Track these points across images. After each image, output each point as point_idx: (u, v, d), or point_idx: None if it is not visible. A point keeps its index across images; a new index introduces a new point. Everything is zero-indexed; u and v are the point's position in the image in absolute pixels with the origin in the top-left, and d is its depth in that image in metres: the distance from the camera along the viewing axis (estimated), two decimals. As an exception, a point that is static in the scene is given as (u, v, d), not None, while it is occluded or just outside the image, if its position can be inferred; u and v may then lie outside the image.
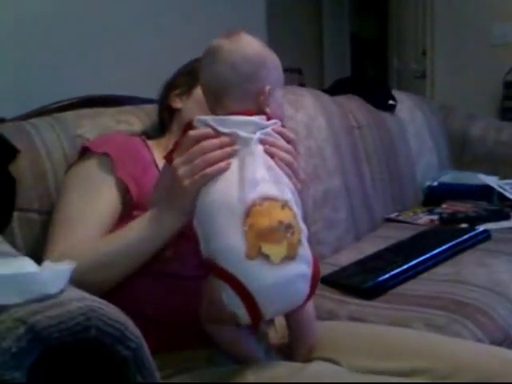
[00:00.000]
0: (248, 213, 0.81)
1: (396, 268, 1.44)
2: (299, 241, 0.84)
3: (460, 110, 2.57)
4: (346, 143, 1.96)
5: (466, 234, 1.69)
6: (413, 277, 1.44)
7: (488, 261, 1.52)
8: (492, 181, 2.15)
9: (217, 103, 0.94)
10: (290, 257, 0.82)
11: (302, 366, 0.93)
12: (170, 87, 1.23)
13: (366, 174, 2.01)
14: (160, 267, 0.98)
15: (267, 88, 0.92)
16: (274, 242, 0.81)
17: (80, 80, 1.75)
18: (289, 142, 0.92)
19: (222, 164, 0.86)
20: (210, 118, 0.90)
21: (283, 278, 0.82)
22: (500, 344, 1.17)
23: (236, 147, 0.87)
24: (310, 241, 0.89)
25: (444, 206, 2.10)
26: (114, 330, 0.65)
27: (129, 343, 0.67)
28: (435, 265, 1.51)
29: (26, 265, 0.68)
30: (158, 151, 1.14)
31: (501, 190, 2.10)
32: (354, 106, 2.12)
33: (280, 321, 1.05)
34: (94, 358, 0.67)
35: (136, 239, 0.93)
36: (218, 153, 0.87)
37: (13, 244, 1.01)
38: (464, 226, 1.84)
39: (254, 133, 0.88)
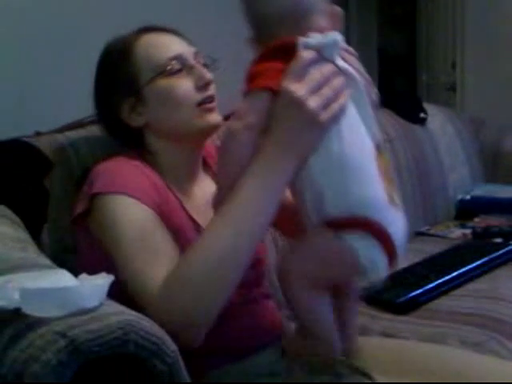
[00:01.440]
0: (375, 158, 0.78)
1: (429, 283, 1.43)
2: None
3: (491, 123, 2.53)
4: (376, 156, 1.94)
5: (500, 249, 1.66)
6: (446, 292, 1.42)
7: (524, 277, 1.49)
8: (526, 195, 2.11)
9: (295, 31, 0.80)
10: (399, 201, 0.81)
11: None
12: (112, 109, 1.02)
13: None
14: None
15: (338, 8, 0.85)
16: (393, 186, 0.80)
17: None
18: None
19: (345, 96, 0.77)
20: (317, 41, 0.78)
21: (404, 221, 0.81)
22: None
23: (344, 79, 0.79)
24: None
25: (477, 219, 2.06)
26: (151, 344, 0.65)
27: (165, 358, 0.67)
28: (469, 280, 1.49)
29: (66, 278, 0.68)
30: (157, 170, 0.99)
31: (536, 205, 2.06)
32: (384, 119, 2.11)
33: None
34: (131, 372, 0.67)
35: (252, 205, 0.77)
36: (340, 81, 0.78)
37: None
38: (498, 240, 1.81)
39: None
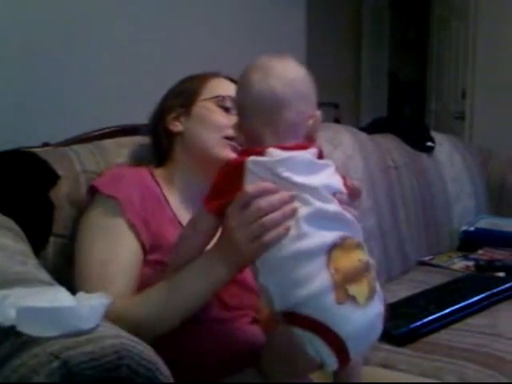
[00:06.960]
0: (330, 256, 0.79)
1: (429, 315, 1.41)
2: (375, 279, 0.83)
3: (500, 155, 2.52)
4: (381, 183, 1.94)
5: (503, 283, 1.65)
6: (446, 326, 1.41)
7: (526, 314, 1.47)
8: (531, 230, 2.10)
9: (267, 125, 0.86)
10: (371, 296, 0.81)
11: None
12: (163, 112, 1.19)
13: (401, 215, 1.98)
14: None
15: (318, 113, 0.89)
16: (357, 282, 0.80)
17: (122, 108, 1.78)
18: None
19: (281, 230, 0.81)
20: (269, 163, 0.82)
21: (369, 318, 0.80)
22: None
23: (296, 205, 0.82)
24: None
25: (480, 252, 2.05)
26: (144, 369, 0.64)
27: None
28: (470, 315, 1.47)
29: (63, 297, 0.68)
30: (164, 183, 1.13)
31: (540, 240, 2.04)
32: (391, 145, 2.11)
33: None
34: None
35: (186, 292, 0.90)
36: (277, 215, 0.81)
37: (44, 268, 1.02)
38: (501, 274, 1.79)
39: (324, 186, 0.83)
